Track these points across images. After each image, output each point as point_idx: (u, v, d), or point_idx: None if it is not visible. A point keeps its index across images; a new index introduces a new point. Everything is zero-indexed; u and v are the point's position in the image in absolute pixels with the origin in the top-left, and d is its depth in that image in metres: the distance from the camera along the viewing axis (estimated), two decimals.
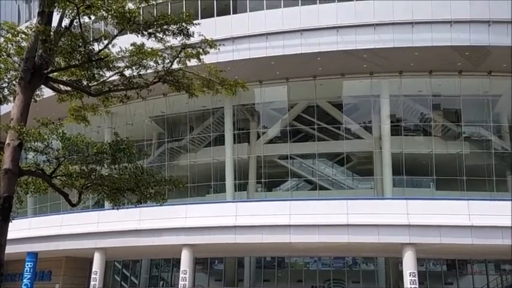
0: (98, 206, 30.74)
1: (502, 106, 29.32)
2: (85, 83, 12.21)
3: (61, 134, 11.04)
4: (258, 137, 31.55)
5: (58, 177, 11.90)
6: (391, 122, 28.76)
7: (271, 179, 31.26)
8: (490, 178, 27.97)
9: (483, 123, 29.06)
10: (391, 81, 28.62)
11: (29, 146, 10.91)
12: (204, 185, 31.77)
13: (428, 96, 28.89)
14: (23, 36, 12.12)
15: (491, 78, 28.12)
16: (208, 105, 30.41)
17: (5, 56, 12.26)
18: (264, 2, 26.86)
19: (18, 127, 10.43)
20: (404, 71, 27.98)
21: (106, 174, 11.93)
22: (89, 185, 11.85)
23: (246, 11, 27.27)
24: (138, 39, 12.19)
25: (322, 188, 30.46)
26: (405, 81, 28.45)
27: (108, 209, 25.74)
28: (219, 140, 31.35)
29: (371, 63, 27.03)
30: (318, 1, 26.16)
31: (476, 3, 25.04)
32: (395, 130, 28.95)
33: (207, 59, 13.11)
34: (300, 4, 26.38)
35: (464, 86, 28.22)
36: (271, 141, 31.56)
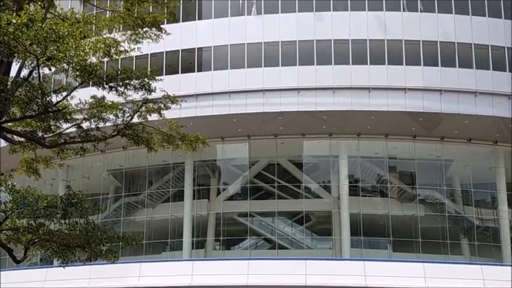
0: (46, 262, 29.10)
1: (454, 170, 30.49)
2: (40, 134, 11.88)
3: (10, 186, 10.59)
4: (218, 193, 31.26)
5: (3, 232, 11.26)
6: (350, 182, 29.29)
7: (230, 237, 30.72)
8: (444, 241, 28.53)
9: (437, 187, 29.99)
10: (349, 142, 29.42)
11: None
12: (160, 242, 30.79)
13: (385, 158, 29.77)
14: None
15: (443, 143, 29.40)
16: (168, 159, 30.10)
17: None
18: (228, 61, 27.58)
19: None
20: (362, 133, 28.89)
21: (55, 229, 11.39)
22: (36, 240, 11.29)
23: (211, 69, 27.85)
24: (98, 92, 12.08)
25: (281, 247, 30.11)
26: (362, 143, 29.33)
27: (57, 266, 24.38)
28: (178, 196, 30.83)
29: (330, 124, 27.85)
30: (280, 63, 27.09)
31: (429, 73, 26.59)
32: (354, 190, 29.44)
33: (170, 114, 13.10)
34: (263, 65, 27.22)
35: (418, 150, 29.31)
36: (231, 198, 31.32)
